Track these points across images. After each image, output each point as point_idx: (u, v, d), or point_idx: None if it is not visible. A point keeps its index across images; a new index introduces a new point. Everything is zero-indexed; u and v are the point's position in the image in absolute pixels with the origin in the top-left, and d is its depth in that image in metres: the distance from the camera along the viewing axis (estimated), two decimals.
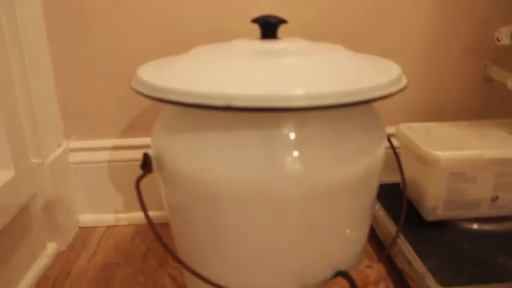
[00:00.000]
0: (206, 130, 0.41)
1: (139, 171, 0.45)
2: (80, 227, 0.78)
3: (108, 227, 0.78)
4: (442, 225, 0.64)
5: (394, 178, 0.70)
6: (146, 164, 0.44)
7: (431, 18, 0.74)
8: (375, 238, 0.70)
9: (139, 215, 0.79)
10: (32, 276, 0.63)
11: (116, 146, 0.76)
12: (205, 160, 0.41)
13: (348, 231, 0.47)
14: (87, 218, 0.79)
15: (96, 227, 0.78)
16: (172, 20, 0.70)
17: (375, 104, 0.48)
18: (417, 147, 0.63)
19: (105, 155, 0.76)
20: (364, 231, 0.51)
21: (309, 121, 0.40)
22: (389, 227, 0.66)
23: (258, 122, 0.39)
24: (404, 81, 0.45)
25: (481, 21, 0.75)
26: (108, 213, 0.79)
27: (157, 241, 0.43)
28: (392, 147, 0.58)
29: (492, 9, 0.74)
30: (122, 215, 0.79)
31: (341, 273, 0.46)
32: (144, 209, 0.43)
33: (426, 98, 0.79)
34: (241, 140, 0.40)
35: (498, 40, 0.69)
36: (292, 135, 0.40)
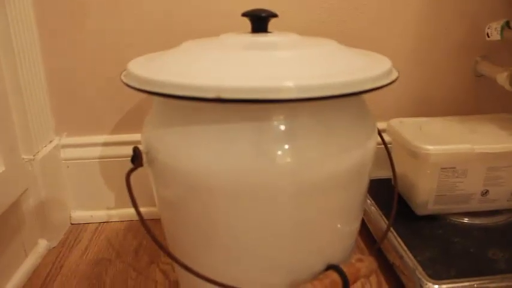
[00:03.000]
0: (196, 123, 0.41)
1: (130, 167, 0.44)
2: (72, 224, 0.78)
3: (100, 223, 0.78)
4: (433, 219, 0.65)
5: (386, 173, 0.71)
6: (136, 158, 0.44)
7: (423, 15, 0.74)
8: (366, 233, 0.70)
9: (131, 211, 0.78)
10: (24, 272, 0.63)
11: (108, 142, 0.76)
12: (196, 153, 0.41)
13: (339, 224, 0.47)
14: (78, 215, 0.78)
15: (88, 223, 0.78)
16: (163, 15, 0.70)
17: (366, 99, 0.49)
18: (408, 142, 0.63)
19: (97, 151, 0.76)
20: (356, 225, 0.51)
21: (300, 114, 0.40)
22: (380, 221, 0.66)
23: (249, 115, 0.39)
24: (394, 74, 0.45)
25: (472, 17, 0.75)
26: (100, 209, 0.79)
27: (149, 236, 0.42)
28: (384, 142, 0.58)
29: (483, 6, 0.75)
30: (113, 211, 0.79)
31: (332, 267, 0.46)
32: (133, 202, 0.43)
33: (418, 94, 0.80)
34: (231, 132, 0.40)
35: (488, 36, 0.69)
36: (282, 128, 0.40)
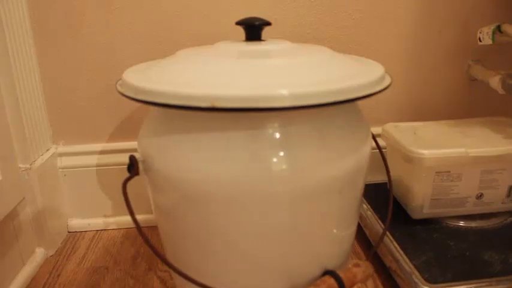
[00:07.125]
0: (192, 131, 0.41)
1: (127, 175, 0.45)
2: (69, 232, 0.78)
3: (97, 231, 0.78)
4: (428, 223, 0.65)
5: (381, 178, 0.71)
6: (132, 167, 0.44)
7: (416, 20, 0.75)
8: (363, 237, 0.71)
9: (128, 219, 0.78)
10: (21, 281, 0.63)
11: (105, 150, 0.76)
12: (192, 161, 0.41)
13: (335, 230, 0.47)
14: (76, 223, 0.78)
15: (85, 231, 0.78)
16: (159, 24, 0.71)
17: (361, 104, 0.49)
18: (403, 147, 0.63)
19: (94, 159, 0.76)
20: (352, 230, 0.51)
21: (294, 121, 0.41)
22: (376, 225, 0.66)
23: (244, 123, 0.40)
24: (387, 80, 0.46)
25: (464, 22, 0.76)
26: (97, 217, 0.79)
27: (145, 243, 0.43)
28: (378, 147, 0.59)
29: (475, 11, 0.75)
30: (111, 219, 0.79)
31: (329, 272, 0.46)
32: (130, 210, 0.43)
33: (412, 98, 0.80)
34: (227, 140, 0.40)
35: (480, 40, 0.70)
36: (277, 135, 0.40)
